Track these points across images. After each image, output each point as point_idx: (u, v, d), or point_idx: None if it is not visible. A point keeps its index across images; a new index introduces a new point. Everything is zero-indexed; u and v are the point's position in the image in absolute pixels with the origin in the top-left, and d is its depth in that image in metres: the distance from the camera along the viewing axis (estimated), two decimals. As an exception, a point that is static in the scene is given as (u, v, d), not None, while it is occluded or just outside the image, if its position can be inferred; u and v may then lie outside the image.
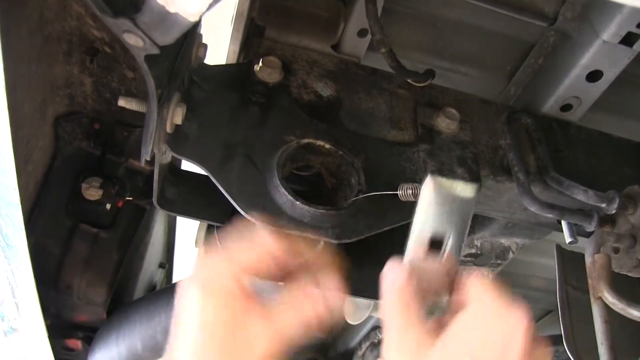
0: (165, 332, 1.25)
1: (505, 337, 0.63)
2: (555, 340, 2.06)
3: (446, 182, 0.72)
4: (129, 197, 1.23)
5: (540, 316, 2.49)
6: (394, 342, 0.68)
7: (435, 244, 0.74)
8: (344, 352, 2.94)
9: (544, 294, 2.29)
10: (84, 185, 1.18)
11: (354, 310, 2.28)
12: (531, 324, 0.64)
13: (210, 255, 0.73)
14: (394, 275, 0.72)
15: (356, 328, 2.72)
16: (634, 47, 1.04)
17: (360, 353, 2.49)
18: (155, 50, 0.69)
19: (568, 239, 1.07)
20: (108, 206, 1.21)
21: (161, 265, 1.85)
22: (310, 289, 0.73)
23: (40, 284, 1.13)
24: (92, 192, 1.18)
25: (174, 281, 2.01)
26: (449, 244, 0.74)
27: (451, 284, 0.73)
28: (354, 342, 2.83)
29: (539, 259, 2.06)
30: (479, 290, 0.67)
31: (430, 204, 0.72)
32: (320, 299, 0.72)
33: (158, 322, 1.26)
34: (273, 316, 0.70)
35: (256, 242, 0.73)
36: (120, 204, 1.22)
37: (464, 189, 0.72)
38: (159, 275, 1.80)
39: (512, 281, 2.20)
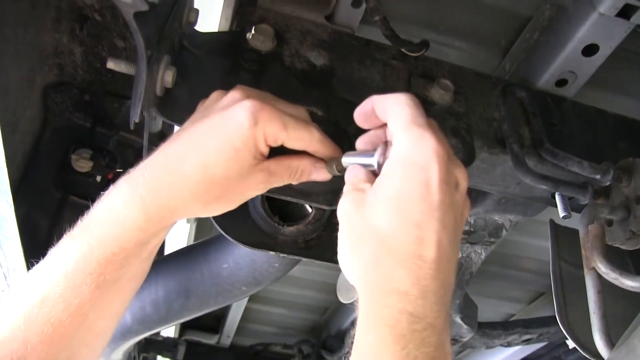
0: (155, 304, 1.25)
1: (423, 169, 0.67)
2: (547, 321, 2.08)
3: None
4: (119, 169, 1.21)
5: (532, 298, 2.50)
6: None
7: None
8: (336, 334, 2.94)
9: (536, 275, 2.30)
10: (73, 157, 1.16)
11: (347, 290, 2.27)
12: (443, 145, 0.69)
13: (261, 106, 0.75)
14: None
15: (349, 309, 2.72)
16: (632, 19, 1.02)
17: (352, 333, 2.49)
18: (144, 7, 0.67)
19: (562, 213, 1.07)
20: (98, 178, 1.20)
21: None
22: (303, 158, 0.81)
23: (29, 256, 1.12)
24: (82, 163, 1.16)
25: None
26: None
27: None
28: (346, 323, 2.83)
29: (532, 240, 2.06)
30: (396, 130, 0.71)
31: None
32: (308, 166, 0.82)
33: (148, 294, 1.25)
34: (272, 172, 0.78)
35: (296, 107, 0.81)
36: (110, 176, 1.20)
37: None
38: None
39: (505, 262, 2.21)
